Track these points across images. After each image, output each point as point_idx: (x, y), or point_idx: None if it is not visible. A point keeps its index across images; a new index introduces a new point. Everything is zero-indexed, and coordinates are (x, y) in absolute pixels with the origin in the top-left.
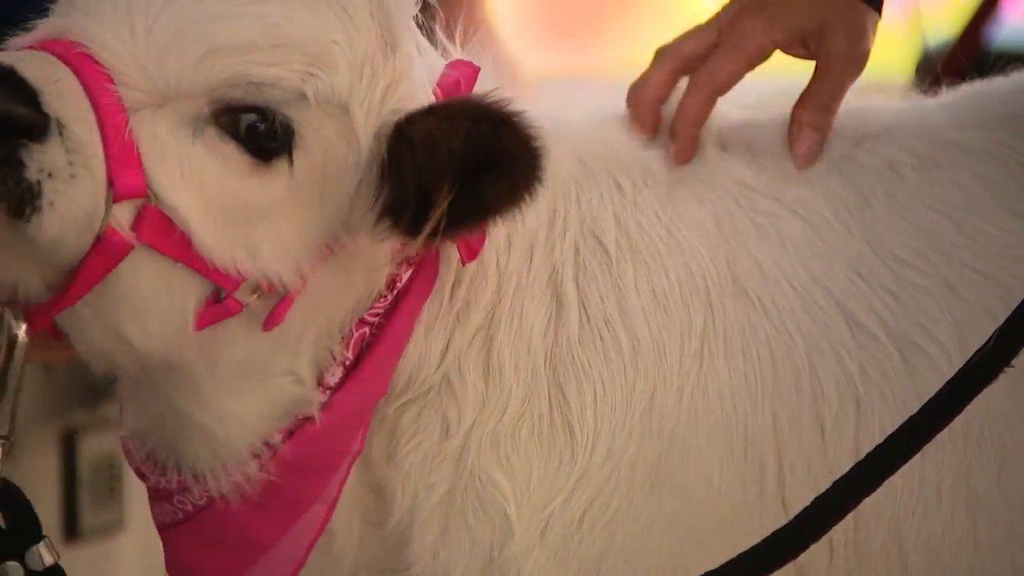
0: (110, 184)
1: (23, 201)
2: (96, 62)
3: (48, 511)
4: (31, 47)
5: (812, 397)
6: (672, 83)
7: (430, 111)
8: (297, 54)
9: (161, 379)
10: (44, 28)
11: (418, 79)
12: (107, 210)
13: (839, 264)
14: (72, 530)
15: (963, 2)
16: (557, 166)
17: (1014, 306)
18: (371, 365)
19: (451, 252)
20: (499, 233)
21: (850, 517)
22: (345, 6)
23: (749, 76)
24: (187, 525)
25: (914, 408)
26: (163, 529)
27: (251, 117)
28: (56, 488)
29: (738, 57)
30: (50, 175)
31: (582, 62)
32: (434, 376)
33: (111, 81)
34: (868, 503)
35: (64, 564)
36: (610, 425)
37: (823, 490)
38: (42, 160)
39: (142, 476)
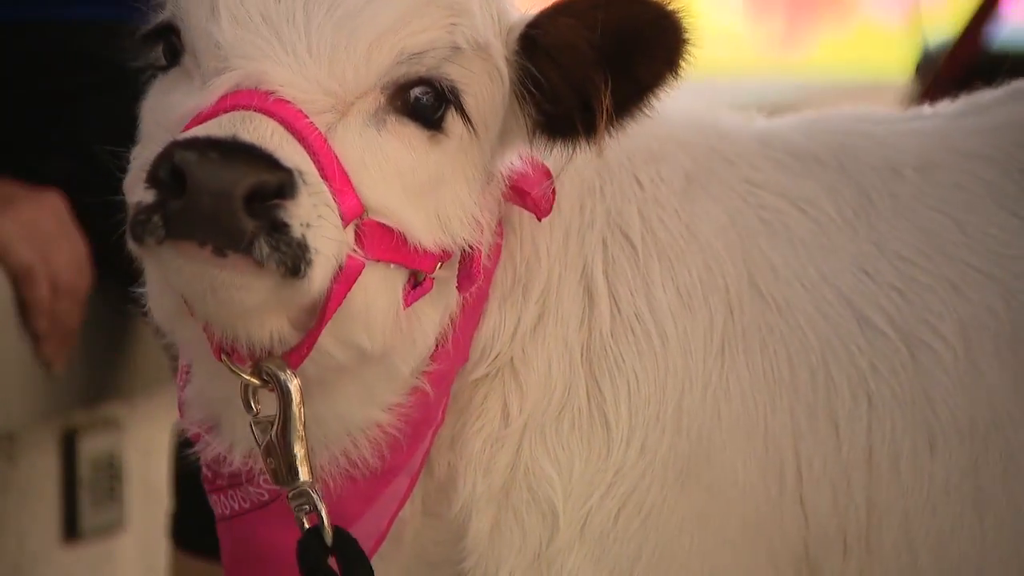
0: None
1: (298, 259)
2: (288, 102)
3: (48, 511)
4: (222, 108)
5: (826, 394)
6: None
7: (556, 12)
8: (439, 10)
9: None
10: (219, 85)
11: None
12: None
13: (846, 262)
14: (72, 530)
15: (963, 2)
16: (579, 160)
17: (1015, 304)
18: (455, 331)
19: (514, 221)
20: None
21: (864, 513)
22: None
23: (752, 76)
24: (271, 507)
25: (922, 405)
26: (235, 517)
27: (418, 90)
28: (56, 488)
29: None
30: (308, 224)
31: None
32: (506, 352)
33: (305, 115)
34: (881, 500)
35: (64, 564)
36: (644, 420)
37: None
38: (298, 214)
39: (218, 462)
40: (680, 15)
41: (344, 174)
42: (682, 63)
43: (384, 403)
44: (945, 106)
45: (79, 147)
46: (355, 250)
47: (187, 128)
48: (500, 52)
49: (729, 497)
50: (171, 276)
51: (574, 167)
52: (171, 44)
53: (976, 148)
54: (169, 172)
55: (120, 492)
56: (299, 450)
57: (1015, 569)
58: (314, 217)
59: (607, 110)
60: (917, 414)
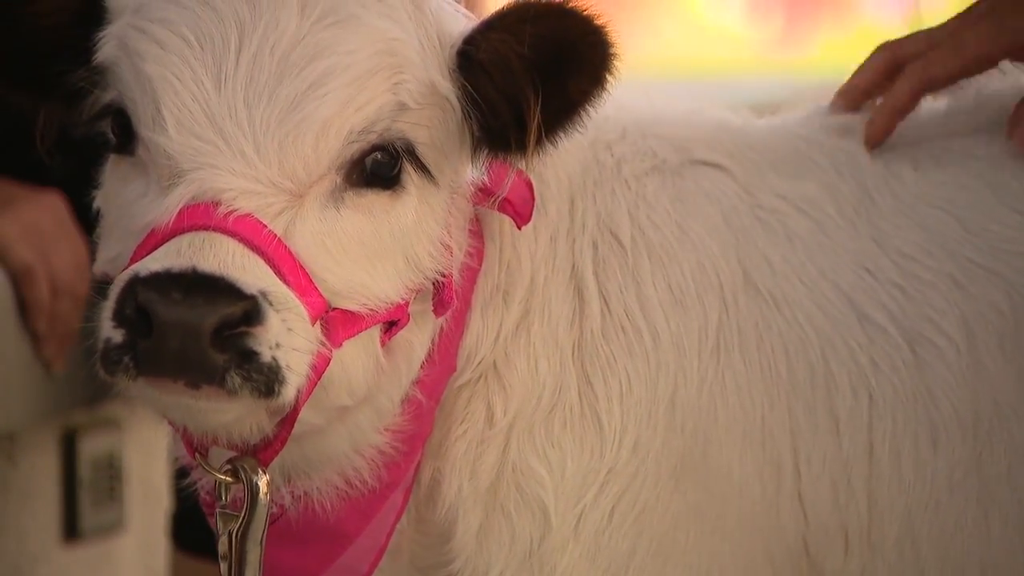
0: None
1: (271, 382)
2: (245, 216)
3: (48, 511)
4: (179, 228)
5: (826, 390)
6: (885, 73)
7: (487, 27)
8: (380, 75)
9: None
10: (174, 201)
11: (447, 6)
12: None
13: (846, 259)
14: (72, 530)
15: (963, 2)
16: (570, 162)
17: (1018, 300)
18: (443, 343)
19: (494, 227)
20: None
21: (865, 510)
22: None
23: (752, 76)
24: (273, 527)
25: (925, 401)
26: None
27: (371, 158)
28: (56, 488)
29: (958, 57)
30: (278, 344)
31: None
32: (489, 357)
33: (263, 225)
34: (882, 496)
35: (64, 564)
36: (636, 418)
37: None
38: (266, 338)
39: (215, 492)
40: (607, 31)
41: (307, 276)
42: (609, 78)
43: (376, 430)
44: (945, 103)
45: (79, 147)
46: (323, 343)
47: (147, 243)
48: (447, 86)
49: (725, 493)
50: (147, 403)
51: (563, 169)
52: (121, 124)
53: (977, 145)
54: (134, 310)
55: (120, 492)
56: (253, 556)
57: (1020, 564)
58: (284, 333)
59: (537, 125)
60: (919, 410)
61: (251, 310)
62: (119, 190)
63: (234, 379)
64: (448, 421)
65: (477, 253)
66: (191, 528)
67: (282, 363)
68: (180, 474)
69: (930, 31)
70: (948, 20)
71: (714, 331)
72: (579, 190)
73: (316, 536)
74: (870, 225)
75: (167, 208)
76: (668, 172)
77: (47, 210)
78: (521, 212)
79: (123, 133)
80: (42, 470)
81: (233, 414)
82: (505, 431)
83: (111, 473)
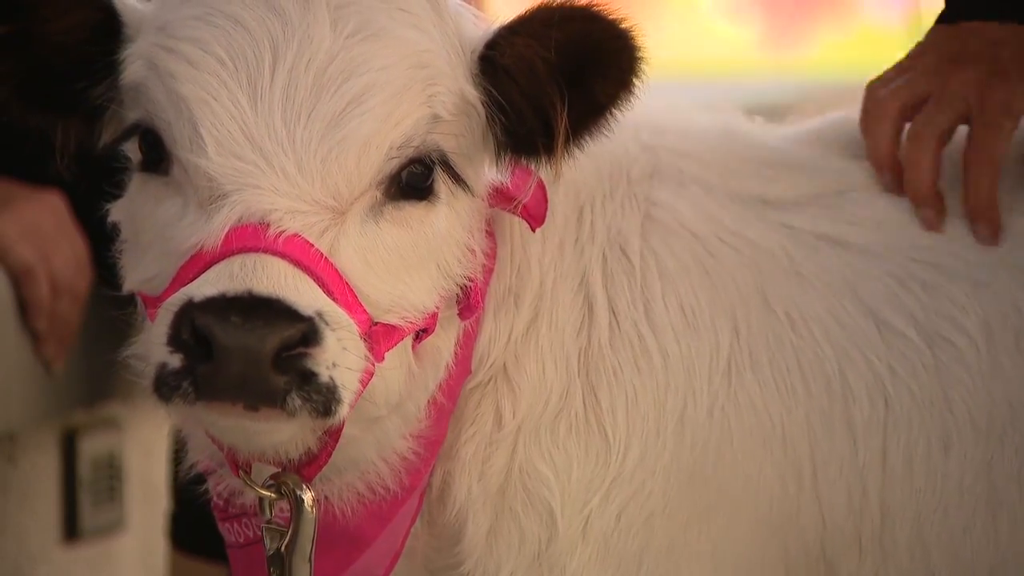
0: None
1: (328, 402)
2: (293, 236)
3: (48, 511)
4: (228, 251)
5: (843, 401)
6: (900, 134)
7: (511, 31)
8: (415, 88)
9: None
10: (220, 223)
11: (463, 10)
12: None
13: (866, 265)
14: (72, 530)
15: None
16: (579, 170)
17: None
18: (459, 345)
19: (505, 229)
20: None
21: (878, 515)
22: (400, 6)
23: (752, 76)
24: None
25: (940, 406)
26: (249, 545)
27: (408, 169)
28: (56, 488)
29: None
30: (334, 364)
31: None
32: (500, 359)
33: (311, 244)
34: (894, 502)
35: (64, 564)
36: (642, 433)
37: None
38: (325, 358)
39: (230, 493)
40: (633, 33)
41: (353, 293)
42: (636, 81)
43: (402, 436)
44: None
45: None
46: (371, 361)
47: (192, 266)
48: (473, 93)
49: (739, 497)
50: (201, 425)
51: (572, 176)
52: (150, 143)
53: None
54: (191, 335)
55: (120, 492)
56: (303, 572)
57: None
58: (339, 352)
59: (564, 129)
60: (934, 415)
61: (309, 331)
62: (151, 210)
63: (294, 400)
64: (458, 423)
65: (492, 253)
66: (191, 528)
67: (338, 382)
68: (196, 480)
69: (916, 79)
70: (924, 56)
71: (725, 355)
72: (588, 201)
73: (334, 540)
74: (889, 229)
75: (213, 231)
76: (681, 183)
77: (47, 210)
78: (535, 214)
79: (152, 152)
80: (42, 470)
81: (288, 434)
82: (513, 433)
83: (111, 473)
